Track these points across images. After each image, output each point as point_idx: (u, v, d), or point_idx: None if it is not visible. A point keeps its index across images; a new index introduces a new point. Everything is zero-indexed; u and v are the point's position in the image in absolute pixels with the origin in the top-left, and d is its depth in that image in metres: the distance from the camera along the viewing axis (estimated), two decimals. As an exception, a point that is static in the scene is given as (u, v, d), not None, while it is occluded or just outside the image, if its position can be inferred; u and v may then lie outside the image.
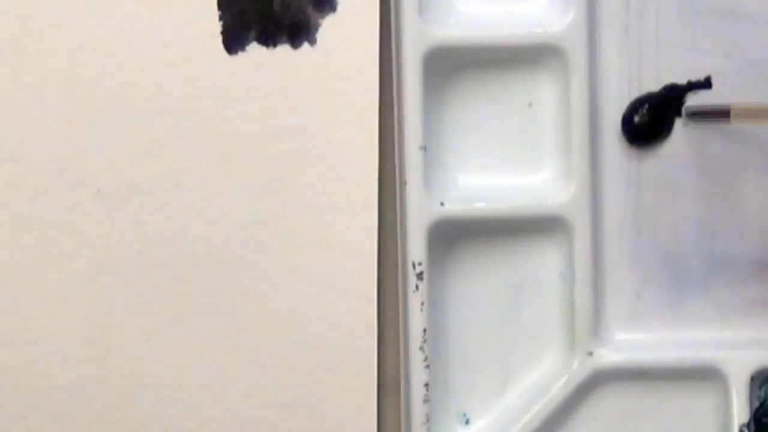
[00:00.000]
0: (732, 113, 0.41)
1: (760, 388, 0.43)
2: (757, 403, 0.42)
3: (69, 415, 0.42)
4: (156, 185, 0.42)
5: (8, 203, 0.41)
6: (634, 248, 0.43)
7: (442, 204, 0.42)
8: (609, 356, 0.43)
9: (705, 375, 0.42)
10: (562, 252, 0.43)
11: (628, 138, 0.43)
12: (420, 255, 0.42)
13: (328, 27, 0.42)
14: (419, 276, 0.42)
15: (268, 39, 0.42)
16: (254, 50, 0.42)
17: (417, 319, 0.42)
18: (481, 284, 0.43)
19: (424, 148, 0.42)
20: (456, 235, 0.42)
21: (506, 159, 0.43)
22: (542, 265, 0.43)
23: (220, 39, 0.42)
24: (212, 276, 0.42)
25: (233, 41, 0.42)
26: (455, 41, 0.42)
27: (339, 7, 0.42)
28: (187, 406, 0.42)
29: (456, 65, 0.42)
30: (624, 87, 0.43)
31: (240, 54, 0.42)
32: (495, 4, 0.43)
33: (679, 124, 0.43)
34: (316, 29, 0.42)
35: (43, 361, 0.42)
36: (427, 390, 0.42)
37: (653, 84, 0.43)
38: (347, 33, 0.42)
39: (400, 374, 0.42)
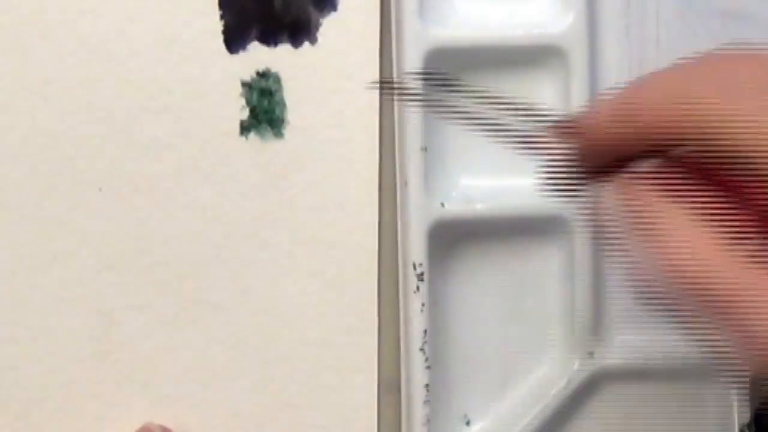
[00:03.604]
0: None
1: (761, 388, 0.42)
2: (757, 403, 0.42)
3: (70, 413, 0.42)
4: (157, 184, 0.42)
5: (10, 202, 0.41)
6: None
7: (442, 205, 0.42)
8: (610, 357, 0.43)
9: (706, 375, 0.42)
10: (561, 254, 0.43)
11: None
12: (420, 256, 0.41)
13: (328, 26, 0.42)
14: (420, 277, 0.41)
15: (269, 38, 0.42)
16: (255, 49, 0.42)
17: (418, 320, 0.42)
18: (482, 285, 0.43)
19: (425, 149, 0.42)
20: (456, 236, 0.42)
21: (507, 161, 0.43)
22: (542, 266, 0.43)
23: (221, 38, 0.42)
24: (213, 274, 0.42)
25: (234, 40, 0.42)
26: (455, 42, 0.42)
27: (340, 7, 0.42)
28: (188, 404, 0.42)
29: (456, 66, 0.42)
30: (624, 87, 0.43)
31: (241, 53, 0.42)
32: (495, 6, 0.43)
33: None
34: (317, 29, 0.42)
35: (44, 359, 0.41)
36: (428, 391, 0.42)
37: (653, 84, 0.43)
38: (348, 32, 0.42)
39: (400, 374, 0.42)
